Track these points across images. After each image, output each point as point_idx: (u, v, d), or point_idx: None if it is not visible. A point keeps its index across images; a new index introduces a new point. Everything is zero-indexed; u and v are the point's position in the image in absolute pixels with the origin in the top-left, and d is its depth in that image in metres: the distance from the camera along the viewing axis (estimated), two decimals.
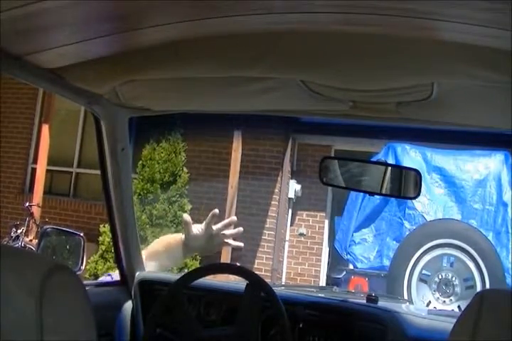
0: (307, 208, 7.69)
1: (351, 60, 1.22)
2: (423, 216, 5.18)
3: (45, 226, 2.13)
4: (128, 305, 1.92)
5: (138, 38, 1.26)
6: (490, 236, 4.86)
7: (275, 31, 1.18)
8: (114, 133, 1.71)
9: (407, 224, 5.24)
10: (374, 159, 5.04)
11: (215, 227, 2.00)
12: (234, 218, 2.12)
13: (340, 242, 5.59)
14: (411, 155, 5.33)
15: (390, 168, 1.74)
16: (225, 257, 6.50)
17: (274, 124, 7.17)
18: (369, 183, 1.77)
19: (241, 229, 2.05)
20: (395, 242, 5.25)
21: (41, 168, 7.36)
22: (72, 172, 8.48)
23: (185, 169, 6.69)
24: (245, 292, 1.68)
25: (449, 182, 5.23)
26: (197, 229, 2.00)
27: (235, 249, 5.64)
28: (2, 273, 0.76)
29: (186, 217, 2.03)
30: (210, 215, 2.00)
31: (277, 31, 1.18)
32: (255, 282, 1.69)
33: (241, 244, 2.14)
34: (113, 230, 1.87)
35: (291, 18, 1.12)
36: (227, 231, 2.02)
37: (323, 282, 7.44)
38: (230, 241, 2.05)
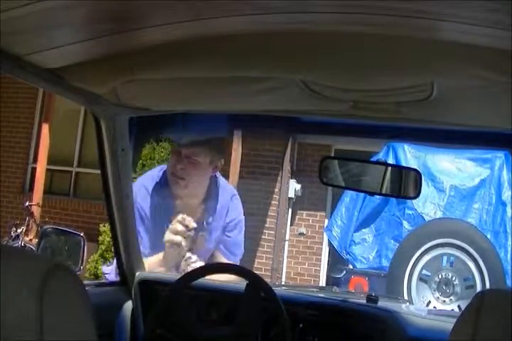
0: (307, 208, 7.69)
1: (351, 60, 1.22)
2: (422, 216, 5.17)
3: (45, 226, 2.13)
4: (128, 305, 1.92)
5: (138, 38, 1.25)
6: (488, 236, 4.85)
7: (275, 31, 1.18)
8: (114, 133, 1.71)
9: (406, 225, 5.22)
10: (374, 159, 5.03)
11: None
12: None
13: (338, 240, 5.57)
14: (411, 155, 5.32)
15: (390, 168, 1.74)
16: None
17: (274, 124, 7.15)
18: (369, 183, 1.77)
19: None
20: (393, 242, 5.24)
21: (41, 167, 7.35)
22: (72, 172, 8.48)
23: None
24: (245, 292, 1.68)
25: (449, 182, 5.22)
26: None
27: None
28: (2, 273, 0.76)
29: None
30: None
31: (277, 31, 1.18)
32: (255, 282, 1.69)
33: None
34: (113, 230, 1.87)
35: (291, 18, 1.12)
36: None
37: (323, 282, 7.44)
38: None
